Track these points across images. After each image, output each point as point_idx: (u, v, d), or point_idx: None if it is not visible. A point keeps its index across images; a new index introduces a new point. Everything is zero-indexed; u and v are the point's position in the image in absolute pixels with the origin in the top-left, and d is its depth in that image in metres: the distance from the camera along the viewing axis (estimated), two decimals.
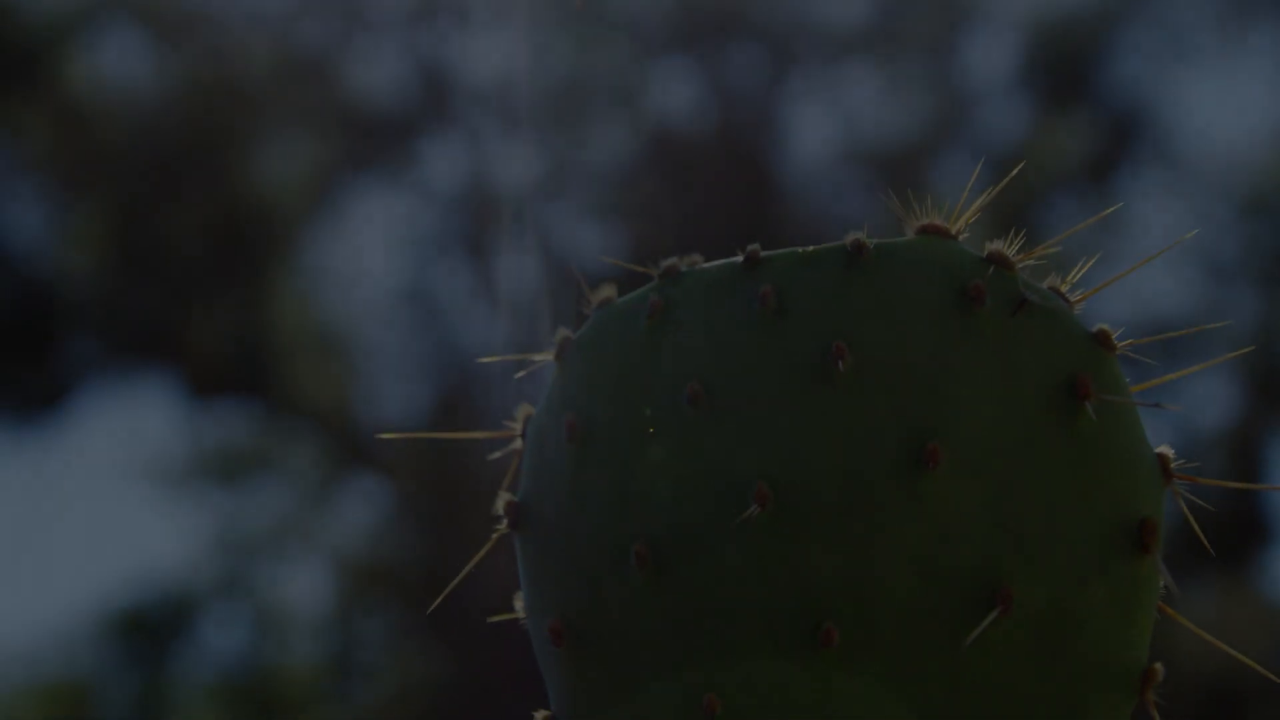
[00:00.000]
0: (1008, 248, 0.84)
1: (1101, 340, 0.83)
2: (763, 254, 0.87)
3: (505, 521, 0.91)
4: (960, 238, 0.86)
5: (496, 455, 0.94)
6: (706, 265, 0.88)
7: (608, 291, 0.91)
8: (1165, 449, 0.84)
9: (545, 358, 0.92)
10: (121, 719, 9.01)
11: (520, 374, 0.93)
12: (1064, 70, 9.22)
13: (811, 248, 0.86)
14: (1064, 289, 0.85)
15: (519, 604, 0.92)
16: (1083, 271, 0.86)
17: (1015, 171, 0.89)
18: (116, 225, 8.59)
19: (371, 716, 9.01)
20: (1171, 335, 0.87)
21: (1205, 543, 0.87)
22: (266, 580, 9.52)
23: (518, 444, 0.93)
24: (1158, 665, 0.83)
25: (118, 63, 8.92)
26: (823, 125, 9.90)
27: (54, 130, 8.61)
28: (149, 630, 9.36)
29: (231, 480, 9.38)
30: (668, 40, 8.98)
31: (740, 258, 0.87)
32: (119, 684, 9.22)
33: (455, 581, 0.92)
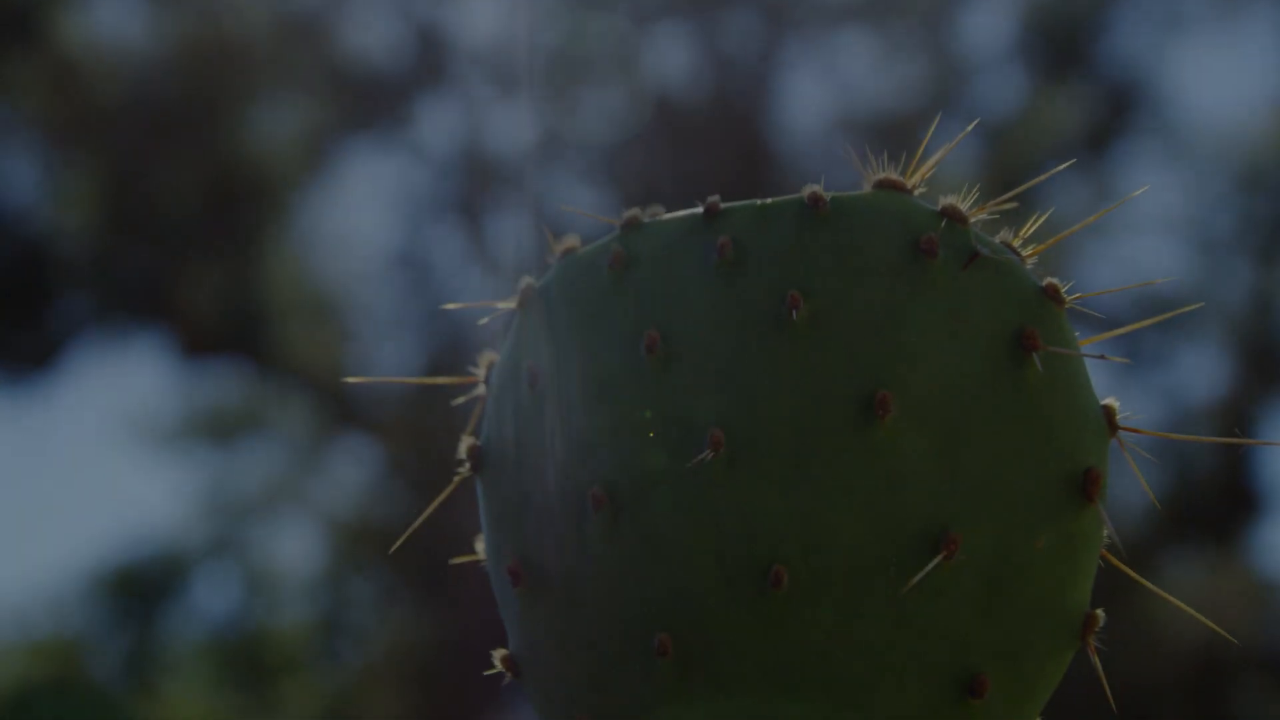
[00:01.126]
0: (962, 202, 0.86)
1: (1050, 294, 0.85)
2: (722, 206, 0.88)
3: (468, 465, 0.93)
4: (917, 193, 0.87)
5: (460, 400, 0.96)
6: (667, 216, 0.90)
7: (571, 241, 0.93)
8: (1111, 401, 0.86)
9: (509, 305, 0.93)
10: (112, 677, 9.04)
11: (483, 321, 0.95)
12: (1061, 41, 9.21)
13: (770, 200, 0.88)
14: (1016, 243, 0.87)
15: (479, 546, 0.94)
16: (1036, 227, 0.87)
17: (971, 126, 0.91)
18: (110, 184, 8.58)
19: (361, 676, 9.04)
20: (1124, 288, 0.89)
21: (1155, 500, 0.89)
22: (257, 540, 9.55)
23: (481, 390, 0.95)
24: (1099, 611, 0.85)
25: (112, 21, 8.90)
26: (818, 92, 9.89)
27: (48, 89, 8.59)
28: (140, 589, 9.39)
29: (223, 440, 9.40)
30: (664, 6, 8.96)
31: (700, 209, 0.89)
32: (110, 642, 9.26)
33: (417, 523, 0.94)
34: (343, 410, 8.88)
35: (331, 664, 9.50)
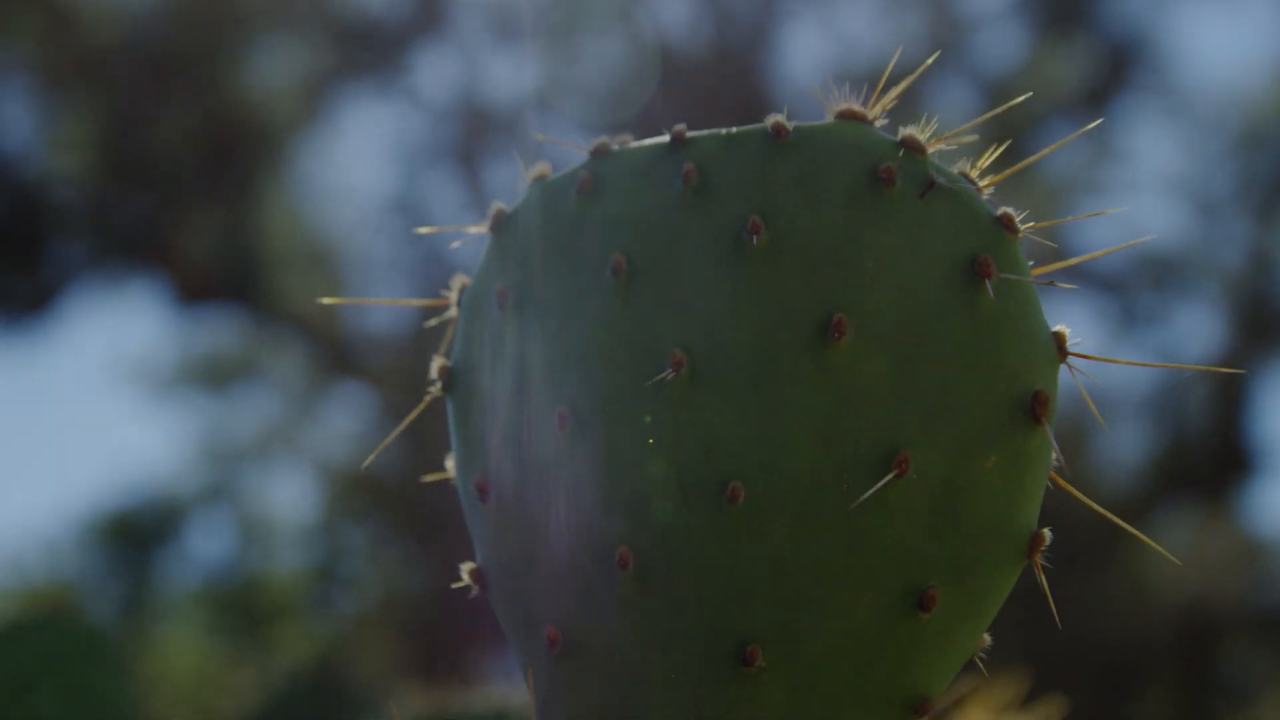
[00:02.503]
0: (921, 133, 0.88)
1: (1005, 223, 0.87)
2: (689, 134, 0.90)
3: (438, 384, 0.96)
4: (877, 124, 0.89)
5: (433, 323, 0.98)
6: (635, 144, 0.92)
7: (542, 168, 0.95)
8: (1061, 327, 0.88)
9: (481, 230, 0.96)
10: (107, 621, 9.07)
11: (455, 244, 0.97)
12: None
13: (735, 129, 0.90)
14: (973, 174, 0.89)
15: (449, 464, 0.97)
16: (992, 158, 0.89)
17: (932, 59, 0.92)
18: (107, 129, 8.57)
19: (355, 623, 9.09)
20: (1070, 219, 0.91)
21: (1099, 416, 0.91)
22: (252, 487, 9.59)
23: (453, 312, 0.98)
24: (1045, 530, 0.87)
25: None
26: (818, 45, 9.87)
27: (46, 32, 8.57)
28: (135, 535, 9.43)
29: (218, 387, 9.42)
30: None
31: (667, 137, 0.91)
32: (105, 587, 9.31)
33: (387, 440, 0.96)
34: (338, 358, 8.90)
35: (325, 610, 9.55)
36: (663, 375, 0.85)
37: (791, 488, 0.85)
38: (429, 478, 0.99)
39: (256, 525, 9.70)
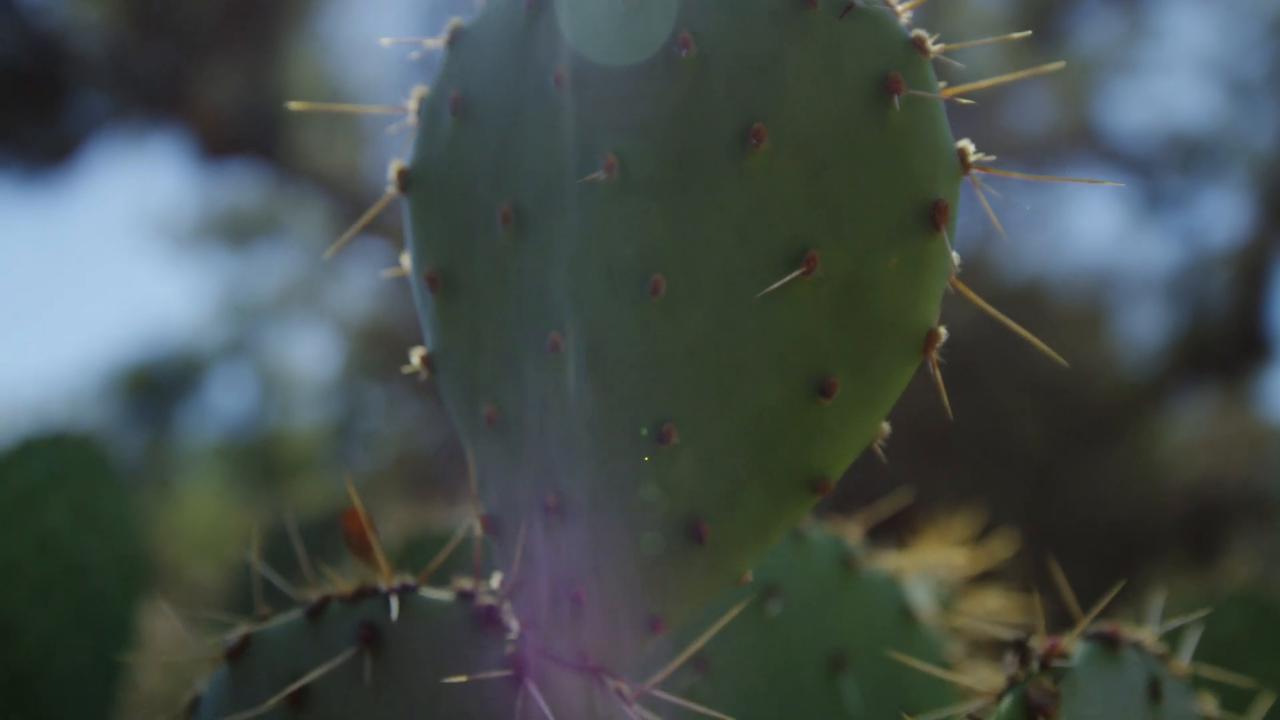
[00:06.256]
0: None
1: (917, 45, 0.93)
2: None
3: (395, 185, 1.04)
4: None
5: (394, 129, 1.06)
6: None
7: None
8: (965, 143, 0.95)
9: (438, 43, 1.03)
10: (127, 474, 9.20)
11: (415, 55, 1.05)
12: None
13: None
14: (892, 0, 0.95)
15: (404, 260, 1.05)
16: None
17: None
18: None
19: (372, 479, 9.24)
20: (986, 40, 0.97)
21: (1002, 233, 0.98)
22: (272, 343, 9.71)
23: (412, 119, 1.05)
24: (941, 328, 0.95)
25: None
26: None
27: None
28: (156, 388, 9.57)
29: (240, 242, 9.51)
30: None
31: None
32: (125, 439, 9.46)
33: (351, 231, 1.04)
34: (359, 214, 8.95)
35: (342, 466, 9.70)
36: (594, 176, 0.93)
37: (708, 282, 0.93)
38: (389, 272, 1.08)
39: (276, 380, 9.84)
